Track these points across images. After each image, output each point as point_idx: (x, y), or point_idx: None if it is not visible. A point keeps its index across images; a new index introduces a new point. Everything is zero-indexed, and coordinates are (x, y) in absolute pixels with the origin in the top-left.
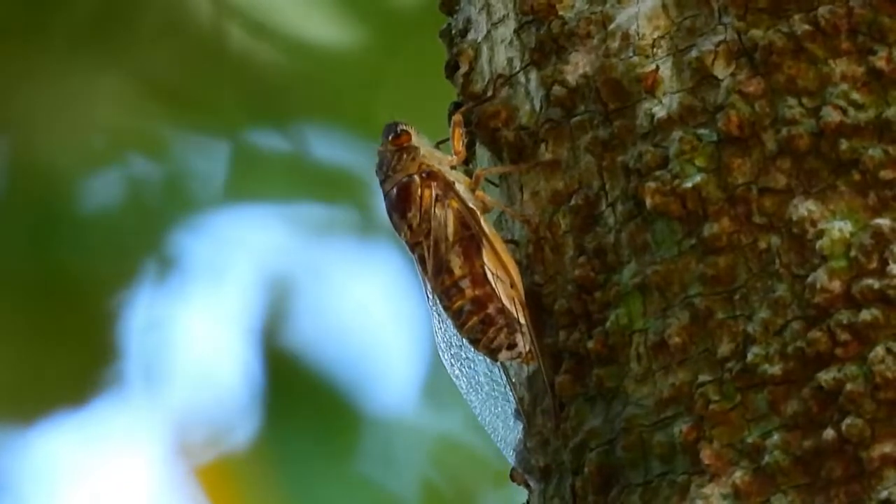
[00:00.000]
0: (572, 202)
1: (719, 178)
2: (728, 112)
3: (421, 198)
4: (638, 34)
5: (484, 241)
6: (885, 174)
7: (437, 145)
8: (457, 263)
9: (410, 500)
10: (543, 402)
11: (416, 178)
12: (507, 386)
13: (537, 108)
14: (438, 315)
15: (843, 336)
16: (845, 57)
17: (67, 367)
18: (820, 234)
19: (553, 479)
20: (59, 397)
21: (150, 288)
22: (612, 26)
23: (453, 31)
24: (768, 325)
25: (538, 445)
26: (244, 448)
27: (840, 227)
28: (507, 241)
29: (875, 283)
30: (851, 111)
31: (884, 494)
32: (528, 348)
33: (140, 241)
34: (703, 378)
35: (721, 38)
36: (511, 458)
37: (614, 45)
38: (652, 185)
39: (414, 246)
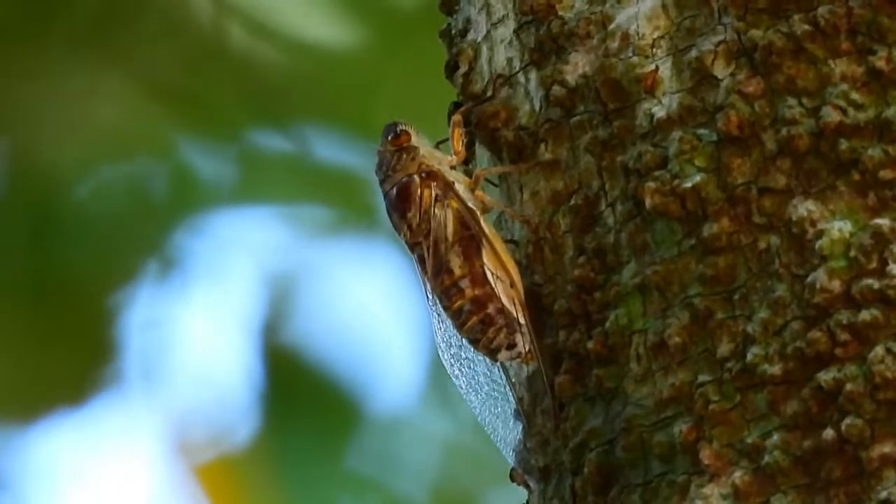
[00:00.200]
0: (572, 202)
1: (719, 179)
2: (728, 112)
3: (420, 198)
4: (637, 34)
5: (484, 242)
6: (885, 174)
7: (437, 145)
8: (456, 263)
9: (412, 500)
10: (543, 403)
11: (416, 178)
12: (507, 386)
13: (537, 108)
14: (438, 315)
15: (843, 336)
16: (845, 57)
17: (67, 365)
18: (819, 234)
19: (553, 480)
20: (59, 396)
21: (150, 287)
22: (611, 26)
23: (453, 32)
24: (768, 325)
25: (538, 446)
26: (244, 447)
27: (840, 227)
28: (506, 242)
29: (875, 283)
30: (851, 111)
31: (883, 495)
32: (527, 348)
33: (141, 240)
34: (702, 378)
35: (721, 38)
36: (511, 459)
37: (614, 45)
38: (651, 185)
39: (413, 246)
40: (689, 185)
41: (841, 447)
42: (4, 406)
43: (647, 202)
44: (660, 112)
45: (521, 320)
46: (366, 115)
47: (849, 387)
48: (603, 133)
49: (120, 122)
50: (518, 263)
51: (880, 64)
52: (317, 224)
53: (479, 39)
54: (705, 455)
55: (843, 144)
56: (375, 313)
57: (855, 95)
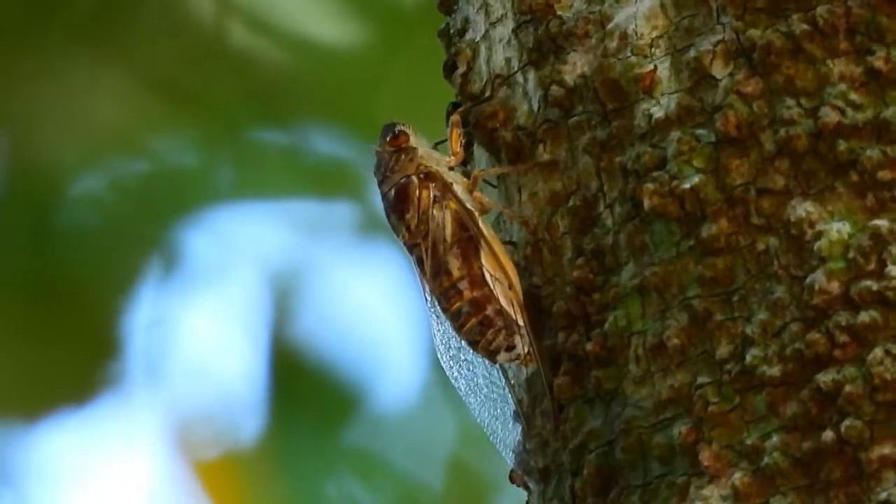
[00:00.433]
0: (570, 203)
1: (717, 179)
2: (726, 112)
3: (419, 199)
4: (636, 34)
5: (482, 243)
6: (884, 175)
7: (436, 146)
8: (455, 265)
9: (414, 498)
10: (542, 404)
11: (414, 178)
12: (506, 388)
13: (535, 108)
14: (437, 317)
15: (842, 338)
16: (843, 57)
17: (70, 364)
18: (818, 235)
19: (552, 481)
20: (62, 395)
21: (152, 285)
22: (610, 26)
23: (451, 31)
24: (767, 326)
25: (537, 447)
26: (247, 445)
27: (838, 229)
28: (505, 243)
29: (873, 285)
30: (849, 111)
31: (883, 496)
32: (526, 350)
33: (141, 238)
34: (701, 380)
35: (719, 37)
36: (510, 460)
37: (612, 45)
38: (650, 186)
39: (412, 247)
40: (687, 185)
41: (840, 449)
42: (7, 405)
43: (646, 203)
44: (658, 112)
45: (520, 322)
46: (367, 112)
47: (848, 388)
48: (601, 133)
49: (120, 120)
50: (517, 265)
51: (879, 64)
52: (318, 221)
53: (478, 39)
54: (705, 456)
55: (842, 145)
56: (379, 310)
57: (853, 96)
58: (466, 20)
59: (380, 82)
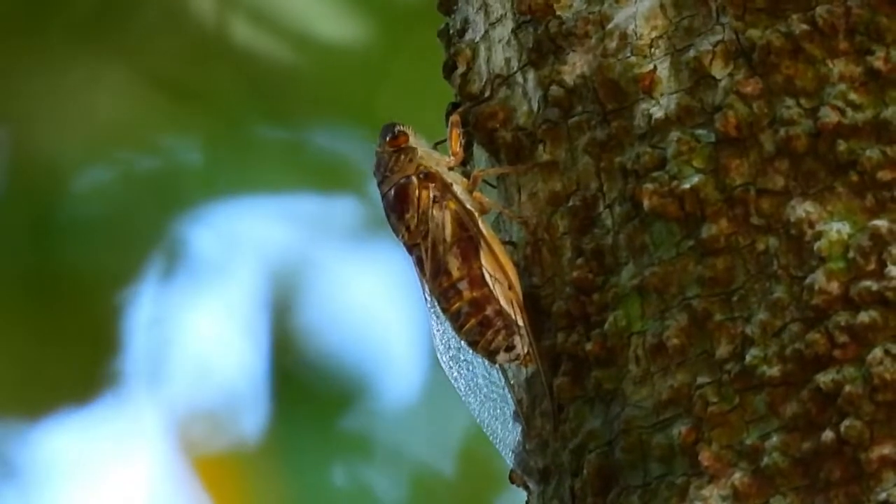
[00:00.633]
0: (570, 203)
1: (717, 180)
2: (726, 113)
3: (419, 199)
4: (636, 34)
5: (482, 243)
6: (883, 175)
7: (435, 146)
8: (455, 265)
9: (415, 495)
10: (542, 404)
11: (414, 179)
12: (506, 388)
13: (535, 108)
14: (437, 317)
15: (842, 338)
16: (843, 57)
17: (71, 362)
18: (818, 235)
19: (552, 481)
20: (64, 393)
21: (153, 282)
22: (609, 26)
23: (451, 31)
24: (767, 326)
25: (537, 447)
26: (249, 442)
27: (838, 229)
28: (504, 243)
29: (873, 285)
30: (849, 111)
31: (882, 496)
32: (526, 350)
33: (143, 235)
34: (701, 380)
35: (719, 38)
36: (510, 460)
37: (612, 45)
38: (650, 186)
39: (412, 247)
40: (687, 186)
41: (840, 449)
42: (10, 402)
43: (646, 203)
44: (658, 112)
45: (520, 322)
46: (368, 109)
47: (848, 388)
48: (601, 134)
49: (121, 117)
50: (516, 265)
51: (878, 64)
52: (320, 217)
53: (477, 39)
54: (704, 457)
55: (842, 145)
56: (381, 306)
57: (853, 96)
58: (466, 20)
59: (381, 80)
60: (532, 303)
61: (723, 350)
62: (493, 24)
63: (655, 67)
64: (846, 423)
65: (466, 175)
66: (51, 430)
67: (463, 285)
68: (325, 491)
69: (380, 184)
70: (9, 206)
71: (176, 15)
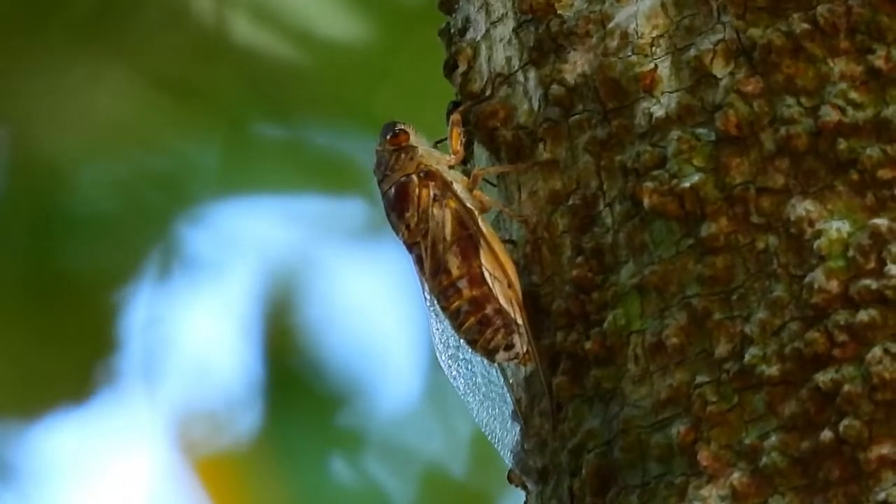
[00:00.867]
0: (570, 202)
1: (717, 178)
2: (726, 111)
3: (419, 197)
4: (637, 33)
5: (482, 242)
6: (883, 174)
7: (436, 145)
8: (454, 264)
9: (413, 495)
10: (541, 404)
11: (414, 177)
12: (505, 387)
13: (535, 107)
14: (436, 315)
15: (841, 337)
16: (844, 56)
17: (69, 362)
18: (818, 234)
19: (551, 481)
20: (61, 393)
21: (152, 282)
22: (610, 25)
23: (452, 30)
24: (766, 325)
25: (536, 447)
26: (245, 442)
27: (838, 227)
28: (504, 242)
29: (873, 284)
30: (850, 110)
31: (881, 496)
32: (525, 349)
33: (142, 234)
34: (700, 379)
35: (720, 36)
36: (509, 460)
37: (613, 44)
38: (650, 184)
39: (412, 246)
40: (687, 184)
41: (839, 448)
42: (7, 402)
43: (646, 202)
44: (658, 111)
45: (519, 321)
46: (369, 108)
47: (847, 388)
48: (601, 132)
49: (122, 115)
50: (516, 263)
51: (879, 63)
52: (319, 217)
53: (478, 38)
54: (703, 456)
55: (842, 144)
56: (379, 305)
57: (854, 94)
58: (467, 19)
59: (382, 78)
60: (531, 301)
61: (722, 349)
62: (494, 23)
63: (656, 66)
64: (845, 422)
65: (467, 174)
66: (48, 429)
67: (462, 284)
68: (323, 490)
69: (380, 182)
70: (9, 206)
71: (176, 14)
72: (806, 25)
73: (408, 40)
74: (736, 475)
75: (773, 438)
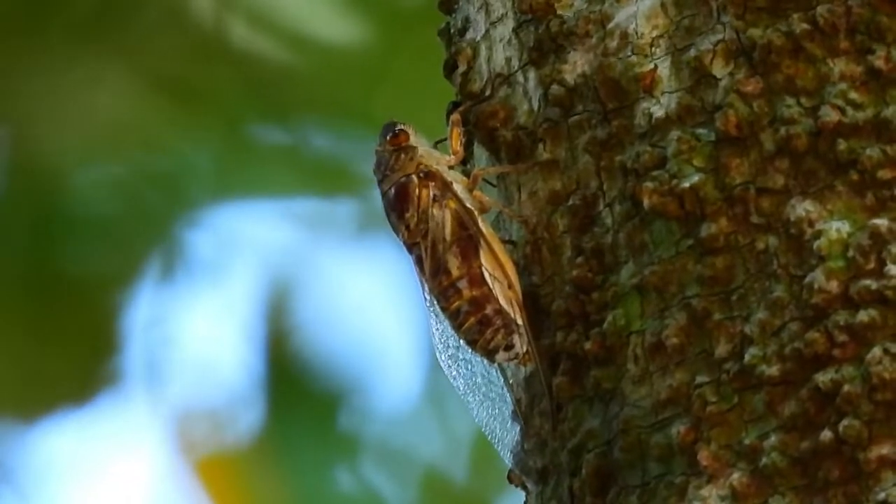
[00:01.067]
0: (570, 202)
1: (717, 178)
2: (726, 112)
3: (419, 198)
4: (636, 33)
5: (482, 242)
6: (883, 174)
7: (436, 145)
8: (454, 264)
9: (412, 495)
10: (541, 404)
11: (414, 178)
12: (505, 387)
13: (535, 107)
14: (436, 316)
15: (841, 337)
16: (844, 56)
17: (70, 362)
18: (818, 234)
19: (551, 481)
20: (62, 393)
21: (152, 283)
22: (610, 25)
23: (452, 30)
24: (766, 325)
25: (536, 447)
26: (246, 443)
27: (838, 228)
28: (504, 242)
29: (873, 284)
30: (850, 111)
31: (881, 496)
32: (525, 349)
33: (142, 235)
34: (700, 379)
35: (720, 37)
36: (509, 460)
37: (613, 44)
38: (650, 185)
39: (411, 246)
40: (687, 185)
41: (838, 448)
42: (7, 403)
43: (646, 202)
44: (658, 111)
45: (519, 321)
46: (367, 109)
47: (846, 388)
48: (601, 133)
49: (121, 117)
50: (516, 264)
51: (879, 63)
52: (318, 218)
53: (478, 38)
54: (703, 456)
55: (842, 144)
56: (379, 305)
57: (854, 95)
58: (467, 19)
59: (380, 80)
60: (531, 301)
61: (722, 349)
62: (493, 24)
63: (656, 66)
64: (845, 422)
65: (467, 174)
66: (49, 430)
67: (462, 284)
68: (323, 490)
69: (380, 182)
70: (9, 206)
71: (176, 15)
72: (806, 25)
73: (407, 41)
74: (736, 475)
75: (773, 438)
